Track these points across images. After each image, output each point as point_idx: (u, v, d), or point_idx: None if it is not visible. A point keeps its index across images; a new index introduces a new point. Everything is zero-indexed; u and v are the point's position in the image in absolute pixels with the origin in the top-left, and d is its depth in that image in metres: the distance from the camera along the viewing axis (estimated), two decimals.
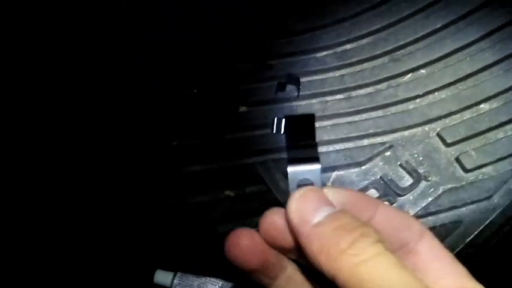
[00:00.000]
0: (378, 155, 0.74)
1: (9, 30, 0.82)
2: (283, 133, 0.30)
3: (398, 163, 0.73)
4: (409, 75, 0.80)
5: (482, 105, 0.76)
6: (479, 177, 0.71)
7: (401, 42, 0.82)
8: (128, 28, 0.86)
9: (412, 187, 0.71)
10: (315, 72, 0.81)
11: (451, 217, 0.68)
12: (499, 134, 0.73)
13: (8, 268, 0.67)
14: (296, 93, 0.79)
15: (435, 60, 0.80)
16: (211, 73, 0.83)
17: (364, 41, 0.84)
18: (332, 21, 0.85)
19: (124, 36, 0.85)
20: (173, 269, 0.68)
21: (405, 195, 0.70)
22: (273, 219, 0.27)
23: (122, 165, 0.75)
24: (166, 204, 0.72)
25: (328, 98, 0.79)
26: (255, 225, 0.28)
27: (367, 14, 0.85)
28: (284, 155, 0.29)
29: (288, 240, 0.27)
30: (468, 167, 0.71)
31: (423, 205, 0.69)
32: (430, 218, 0.69)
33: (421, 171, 0.72)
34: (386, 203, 0.69)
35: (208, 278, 0.66)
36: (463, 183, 0.70)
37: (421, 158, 0.73)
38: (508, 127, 0.74)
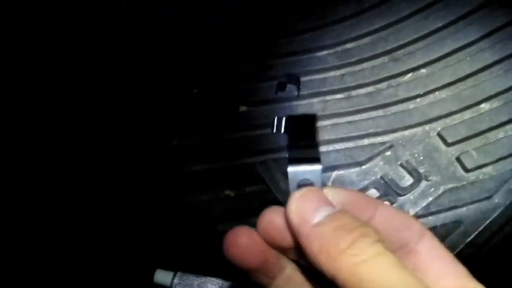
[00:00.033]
0: (378, 154, 0.74)
1: (9, 30, 0.82)
2: (284, 133, 0.30)
3: (399, 163, 0.73)
4: (410, 74, 0.80)
5: (482, 105, 0.76)
6: (480, 177, 0.71)
7: (402, 42, 0.82)
8: (128, 28, 0.86)
9: (412, 187, 0.71)
10: (315, 72, 0.81)
11: (451, 217, 0.68)
12: (500, 133, 0.73)
13: (8, 268, 0.67)
14: (296, 93, 0.79)
15: (435, 60, 0.80)
16: (211, 73, 0.83)
17: (364, 40, 0.84)
18: (332, 21, 0.85)
19: (124, 36, 0.85)
20: (173, 268, 0.68)
21: (405, 195, 0.70)
22: (271, 218, 0.27)
23: (121, 165, 0.75)
24: (166, 204, 0.72)
25: (328, 98, 0.79)
26: (254, 225, 0.28)
27: (367, 14, 0.85)
28: (284, 155, 0.29)
29: (286, 240, 0.27)
30: (469, 166, 0.71)
31: (423, 205, 0.69)
32: (430, 217, 0.69)
33: (421, 171, 0.72)
34: (387, 202, 0.69)
35: (208, 278, 0.66)
36: (464, 183, 0.70)
37: (421, 158, 0.73)
38: (508, 127, 0.74)
